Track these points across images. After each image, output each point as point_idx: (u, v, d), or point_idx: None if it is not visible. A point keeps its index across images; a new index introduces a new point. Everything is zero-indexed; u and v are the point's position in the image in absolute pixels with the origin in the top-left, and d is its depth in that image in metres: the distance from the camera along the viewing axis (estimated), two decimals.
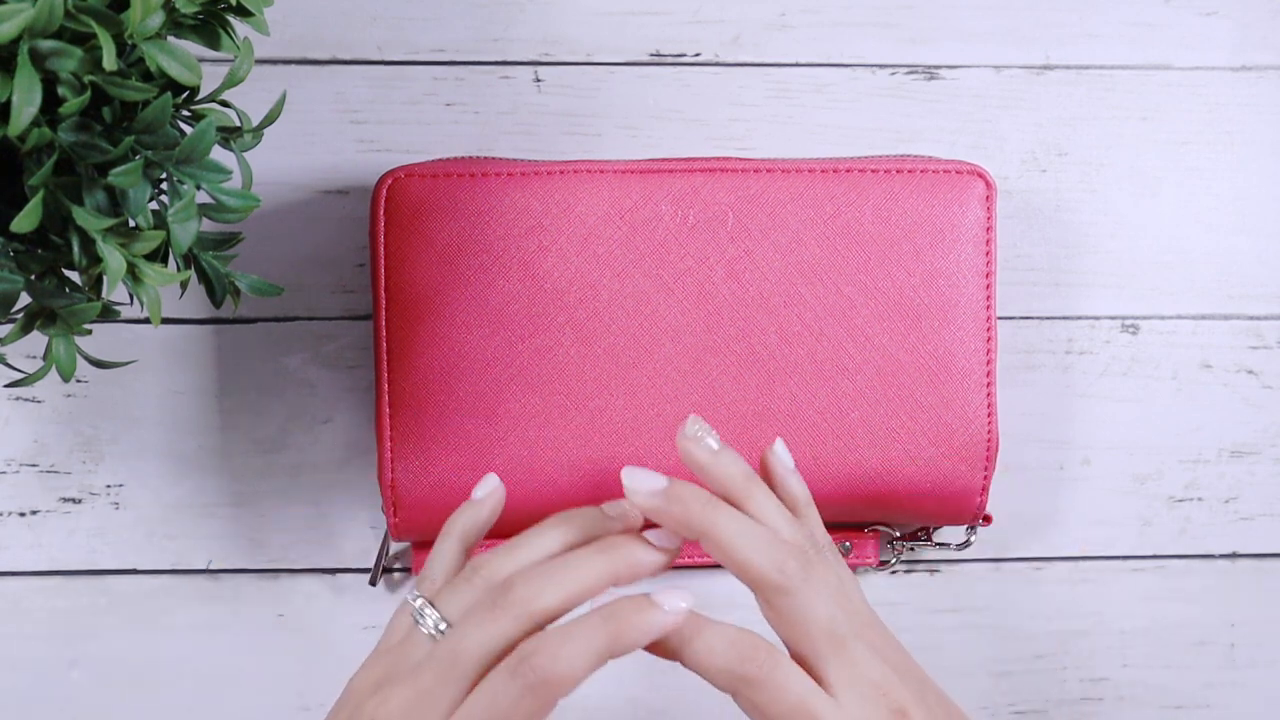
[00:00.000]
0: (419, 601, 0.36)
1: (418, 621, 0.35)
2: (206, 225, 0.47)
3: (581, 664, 0.32)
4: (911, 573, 0.52)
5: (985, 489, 0.48)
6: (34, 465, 0.50)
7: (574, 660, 0.32)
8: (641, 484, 0.36)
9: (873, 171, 0.47)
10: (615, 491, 0.46)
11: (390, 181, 0.46)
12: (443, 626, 0.35)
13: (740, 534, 0.35)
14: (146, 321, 0.50)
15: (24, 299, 0.34)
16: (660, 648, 0.35)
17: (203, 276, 0.39)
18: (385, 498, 0.47)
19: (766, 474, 0.40)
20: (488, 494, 0.40)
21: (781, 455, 0.41)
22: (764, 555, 0.35)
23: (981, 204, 0.47)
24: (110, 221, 0.33)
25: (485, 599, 0.34)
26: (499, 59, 0.50)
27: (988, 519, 0.49)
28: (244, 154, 0.39)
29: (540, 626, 0.34)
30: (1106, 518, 0.52)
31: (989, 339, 0.47)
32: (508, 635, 0.33)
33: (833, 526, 0.51)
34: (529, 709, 0.32)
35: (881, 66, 0.51)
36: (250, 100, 0.49)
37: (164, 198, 0.36)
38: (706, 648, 0.34)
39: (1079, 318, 0.52)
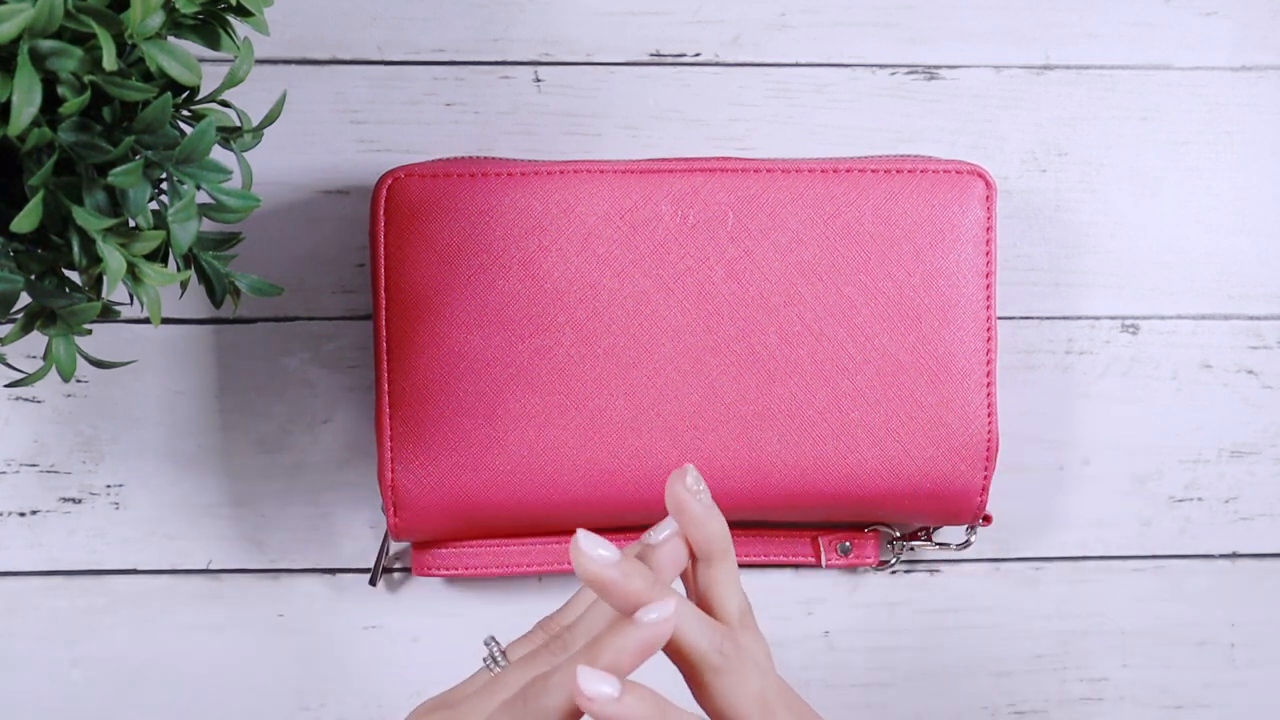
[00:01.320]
0: (494, 645, 0.38)
1: (487, 663, 0.38)
2: (206, 225, 0.47)
3: (563, 689, 0.33)
4: (911, 573, 0.52)
5: (985, 489, 0.48)
6: (34, 465, 0.50)
7: (558, 687, 0.33)
8: (596, 552, 0.34)
9: (873, 171, 0.47)
10: (614, 492, 0.47)
11: (390, 181, 0.46)
12: (504, 664, 0.38)
13: (681, 617, 0.36)
14: (146, 321, 0.50)
15: (24, 299, 0.34)
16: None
17: (203, 276, 0.39)
18: (385, 498, 0.47)
19: (680, 511, 0.36)
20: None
21: (698, 489, 0.36)
22: (703, 638, 0.36)
23: (981, 204, 0.47)
24: (110, 221, 0.33)
25: (543, 647, 0.37)
26: (499, 59, 0.50)
27: (988, 519, 0.49)
28: (244, 154, 0.39)
29: None
30: (1106, 518, 0.52)
31: (989, 339, 0.47)
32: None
33: (833, 527, 0.51)
34: None
35: (881, 66, 0.51)
36: (250, 100, 0.49)
37: (164, 198, 0.36)
38: (689, 627, 0.35)
39: (1079, 318, 0.52)
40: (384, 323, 0.46)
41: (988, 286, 0.47)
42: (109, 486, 0.50)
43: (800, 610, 0.52)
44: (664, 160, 0.47)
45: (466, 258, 0.46)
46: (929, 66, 0.51)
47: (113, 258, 0.33)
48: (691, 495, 0.36)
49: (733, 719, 0.36)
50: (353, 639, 0.51)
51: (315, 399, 0.51)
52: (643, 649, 0.34)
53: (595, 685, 0.32)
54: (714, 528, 0.37)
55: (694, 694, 0.37)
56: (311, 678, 0.51)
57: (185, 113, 0.37)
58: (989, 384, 0.47)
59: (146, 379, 0.50)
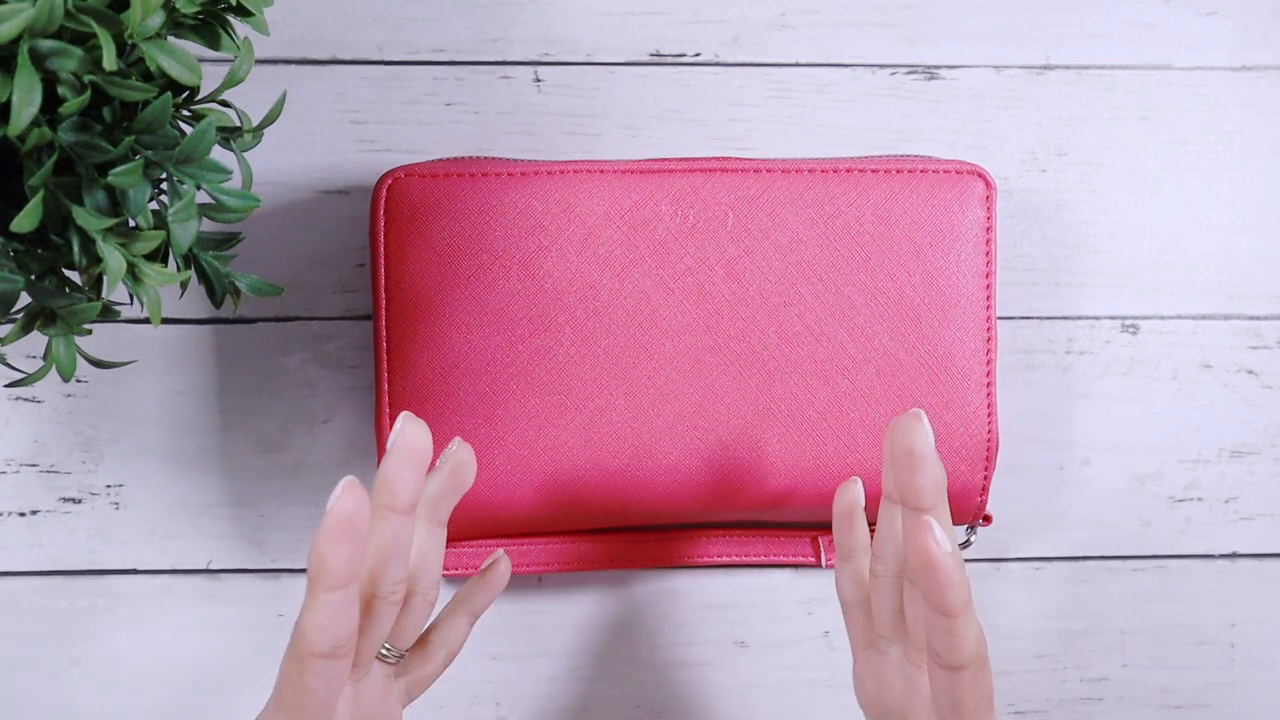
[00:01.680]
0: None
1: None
2: (206, 225, 0.47)
3: (306, 609, 0.33)
4: None
5: (985, 489, 0.48)
6: (34, 465, 0.50)
7: (304, 617, 0.33)
8: (925, 439, 0.35)
9: (873, 171, 0.47)
10: (614, 492, 0.47)
11: (390, 181, 0.46)
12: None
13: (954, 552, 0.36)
14: (146, 321, 0.50)
15: (24, 299, 0.34)
16: (948, 603, 0.34)
17: (203, 276, 0.39)
18: None
19: (907, 455, 0.35)
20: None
21: (928, 433, 0.35)
22: (962, 575, 0.35)
23: (981, 204, 0.47)
24: (110, 221, 0.33)
25: None
26: (499, 59, 0.50)
27: (988, 519, 0.49)
28: (244, 154, 0.39)
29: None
30: (1106, 518, 0.52)
31: (989, 339, 0.47)
32: None
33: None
34: (294, 673, 0.34)
35: (881, 66, 0.51)
36: (250, 100, 0.49)
37: (164, 198, 0.36)
38: (970, 619, 0.35)
39: (1079, 318, 0.52)
40: (384, 323, 0.46)
41: (988, 286, 0.47)
42: (109, 486, 0.50)
43: (800, 610, 0.52)
44: (664, 160, 0.47)
45: (466, 258, 0.46)
46: (929, 66, 0.51)
47: (113, 258, 0.33)
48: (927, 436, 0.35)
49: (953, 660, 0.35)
50: None
51: (315, 399, 0.51)
52: (318, 543, 0.33)
53: (940, 532, 0.33)
54: (939, 475, 0.35)
55: (911, 622, 0.38)
56: None
57: (185, 113, 0.37)
58: (989, 384, 0.47)
59: (146, 379, 0.50)
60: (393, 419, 0.46)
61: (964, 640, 0.34)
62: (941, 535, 0.33)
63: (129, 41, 0.31)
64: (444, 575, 0.49)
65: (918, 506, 0.35)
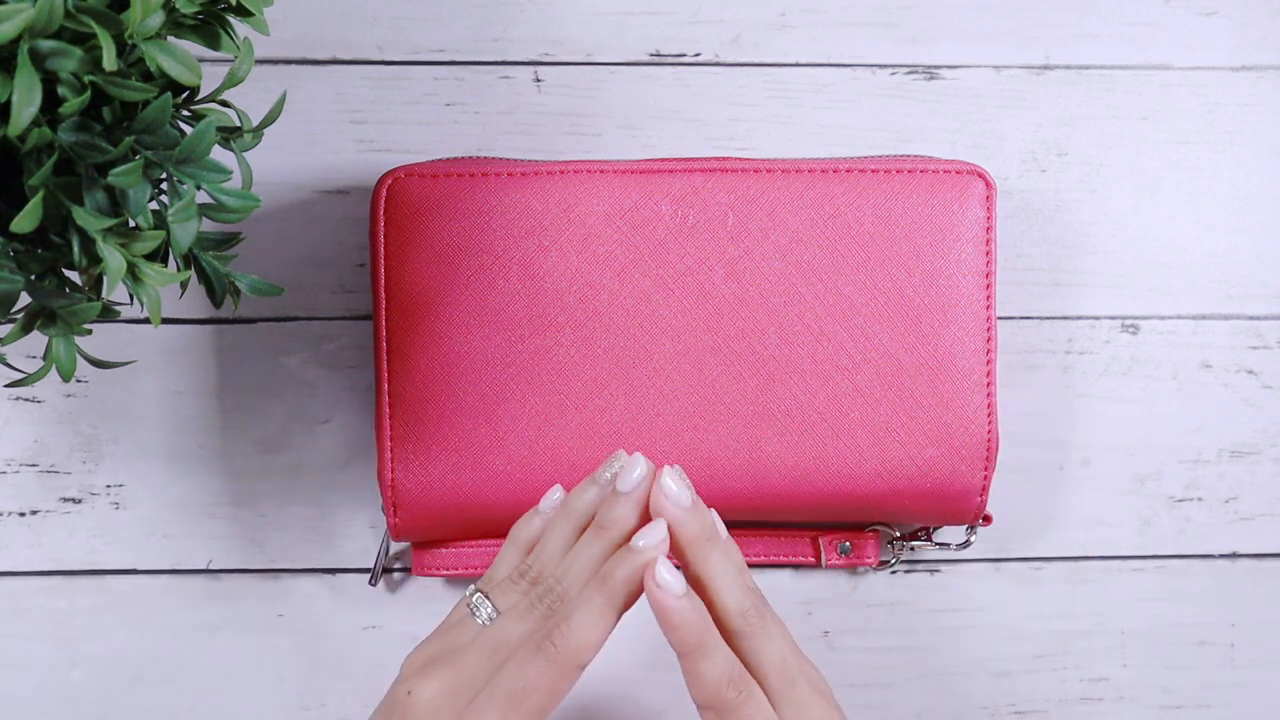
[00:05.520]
0: (476, 596, 0.39)
1: (473, 613, 0.39)
2: (206, 225, 0.47)
3: (591, 626, 0.36)
4: (911, 573, 0.52)
5: (985, 489, 0.48)
6: (34, 465, 0.50)
7: (584, 625, 0.36)
8: (676, 494, 0.38)
9: (873, 171, 0.47)
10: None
11: (390, 181, 0.46)
12: (494, 616, 0.38)
13: (724, 573, 0.38)
14: (146, 321, 0.50)
15: (24, 299, 0.34)
16: (676, 642, 0.37)
17: (203, 276, 0.39)
18: (385, 498, 0.47)
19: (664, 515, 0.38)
20: (550, 506, 0.42)
21: (676, 492, 0.38)
22: (735, 597, 0.38)
23: (981, 204, 0.47)
24: (110, 221, 0.33)
25: (527, 595, 0.38)
26: (499, 59, 0.51)
27: (988, 519, 0.49)
28: (244, 154, 0.39)
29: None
30: (1106, 518, 0.52)
31: (989, 339, 0.47)
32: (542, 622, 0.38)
33: (833, 527, 0.51)
34: (552, 680, 0.35)
35: (881, 66, 0.51)
36: (250, 100, 0.49)
37: (164, 198, 0.36)
38: (708, 663, 0.36)
39: (1079, 318, 0.52)
40: (384, 323, 0.46)
41: (988, 286, 0.47)
42: (109, 486, 0.50)
43: (800, 610, 0.52)
44: (664, 160, 0.47)
45: (466, 258, 0.46)
46: (929, 66, 0.51)
47: (113, 258, 0.33)
48: (667, 499, 0.38)
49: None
50: (353, 639, 0.51)
51: (315, 399, 0.51)
52: (639, 572, 0.36)
53: (666, 575, 0.36)
54: (698, 523, 0.39)
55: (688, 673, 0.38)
56: (311, 678, 0.51)
57: (185, 113, 0.37)
58: (989, 384, 0.47)
59: (146, 379, 0.50)
60: (393, 419, 0.46)
61: (702, 679, 0.36)
62: (673, 576, 0.36)
63: (129, 41, 0.31)
64: (441, 575, 0.49)
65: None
